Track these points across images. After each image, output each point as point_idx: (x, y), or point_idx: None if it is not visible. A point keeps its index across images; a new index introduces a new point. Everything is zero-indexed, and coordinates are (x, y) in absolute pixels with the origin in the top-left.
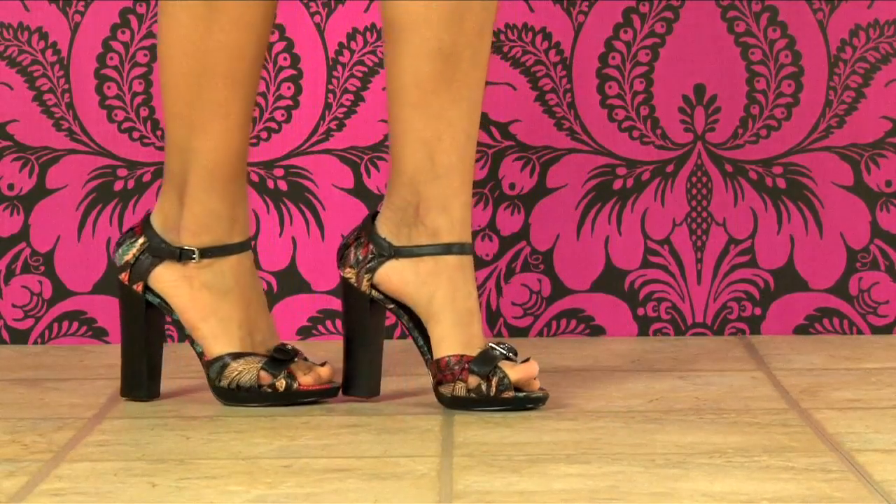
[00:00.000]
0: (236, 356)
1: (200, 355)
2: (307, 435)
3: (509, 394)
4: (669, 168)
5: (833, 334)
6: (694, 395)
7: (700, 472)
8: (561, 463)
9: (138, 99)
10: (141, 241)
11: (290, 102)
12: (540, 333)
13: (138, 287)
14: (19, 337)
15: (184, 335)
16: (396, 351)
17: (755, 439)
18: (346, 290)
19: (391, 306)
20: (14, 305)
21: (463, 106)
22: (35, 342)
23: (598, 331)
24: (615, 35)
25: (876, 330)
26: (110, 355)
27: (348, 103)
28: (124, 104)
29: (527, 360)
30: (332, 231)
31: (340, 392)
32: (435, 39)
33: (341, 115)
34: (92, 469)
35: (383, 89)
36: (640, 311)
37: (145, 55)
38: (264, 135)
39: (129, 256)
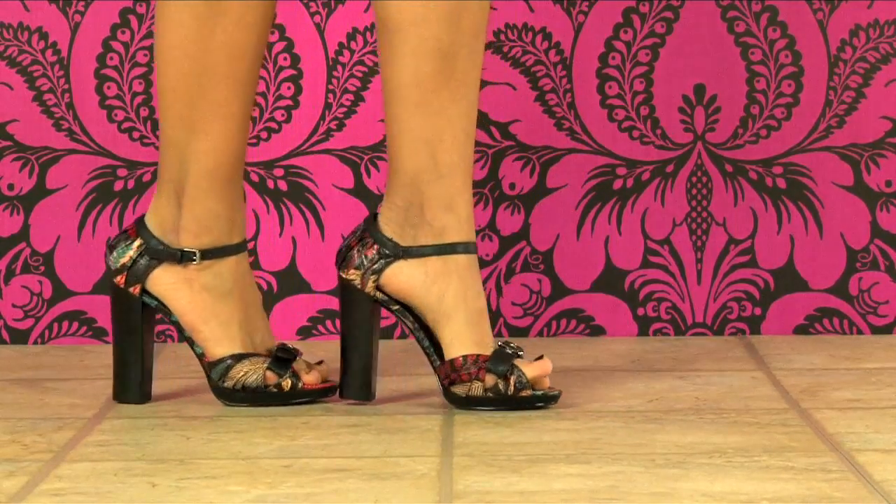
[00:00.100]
0: (240, 357)
1: (201, 356)
2: (307, 435)
3: (527, 392)
4: (669, 168)
5: (833, 334)
6: (694, 395)
7: (700, 472)
8: (561, 463)
9: (138, 99)
10: (137, 243)
11: (290, 102)
12: (540, 333)
13: (135, 290)
14: (19, 337)
15: (183, 336)
16: (396, 351)
17: (755, 439)
18: (346, 293)
19: (395, 308)
20: (14, 305)
21: (462, 104)
22: (35, 342)
23: (598, 331)
24: (615, 35)
25: (876, 330)
26: (110, 355)
27: (348, 103)
28: (124, 104)
29: (540, 357)
30: (332, 231)
31: (338, 394)
32: (434, 39)
33: (341, 115)
34: (92, 469)
35: None
36: (640, 311)
37: (145, 55)
38: (264, 135)
39: (125, 259)
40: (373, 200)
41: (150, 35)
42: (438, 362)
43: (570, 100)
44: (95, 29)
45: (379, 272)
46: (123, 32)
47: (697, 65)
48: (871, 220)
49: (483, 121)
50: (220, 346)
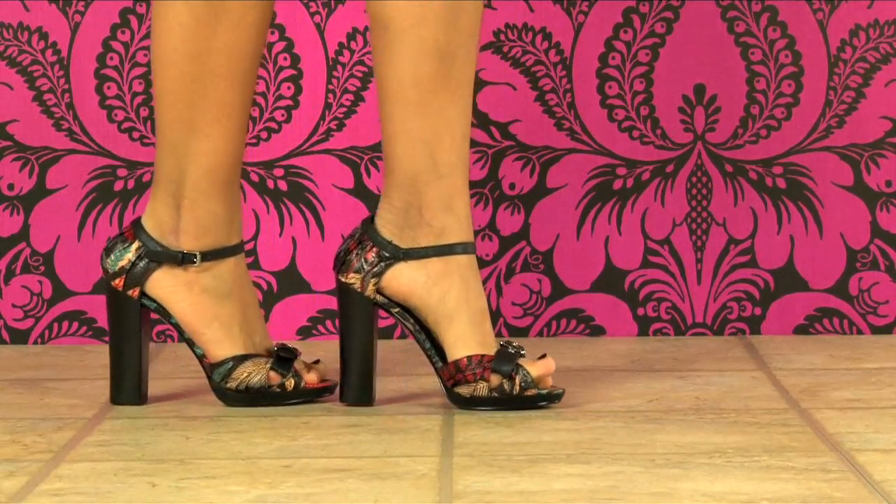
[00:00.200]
0: (242, 359)
1: (202, 358)
2: (307, 435)
3: (532, 391)
4: (669, 168)
5: (833, 334)
6: (694, 395)
7: (700, 472)
8: (561, 463)
9: (138, 99)
10: (135, 245)
11: (290, 102)
12: (540, 333)
13: (134, 293)
14: (19, 337)
15: (183, 337)
16: (396, 351)
17: (755, 439)
18: (345, 297)
19: (395, 310)
20: (14, 305)
21: (460, 104)
22: (35, 342)
23: (598, 331)
24: (615, 35)
25: (876, 330)
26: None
27: (348, 103)
28: (124, 104)
29: (543, 356)
30: (332, 231)
31: (339, 399)
32: (432, 39)
33: (341, 115)
34: (92, 469)
35: None
36: (640, 311)
37: (145, 55)
38: (264, 135)
39: (123, 262)
40: (373, 200)
41: (149, 35)
42: (441, 364)
43: (570, 100)
44: (95, 29)
45: (379, 275)
46: (123, 32)
47: (697, 65)
48: (871, 220)
49: (483, 121)
50: (221, 347)
